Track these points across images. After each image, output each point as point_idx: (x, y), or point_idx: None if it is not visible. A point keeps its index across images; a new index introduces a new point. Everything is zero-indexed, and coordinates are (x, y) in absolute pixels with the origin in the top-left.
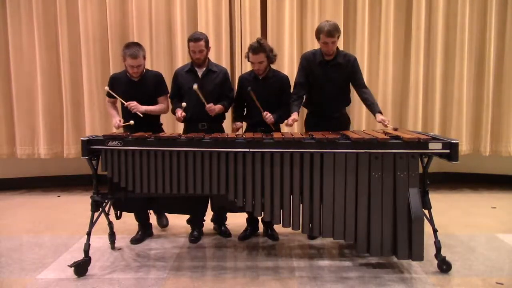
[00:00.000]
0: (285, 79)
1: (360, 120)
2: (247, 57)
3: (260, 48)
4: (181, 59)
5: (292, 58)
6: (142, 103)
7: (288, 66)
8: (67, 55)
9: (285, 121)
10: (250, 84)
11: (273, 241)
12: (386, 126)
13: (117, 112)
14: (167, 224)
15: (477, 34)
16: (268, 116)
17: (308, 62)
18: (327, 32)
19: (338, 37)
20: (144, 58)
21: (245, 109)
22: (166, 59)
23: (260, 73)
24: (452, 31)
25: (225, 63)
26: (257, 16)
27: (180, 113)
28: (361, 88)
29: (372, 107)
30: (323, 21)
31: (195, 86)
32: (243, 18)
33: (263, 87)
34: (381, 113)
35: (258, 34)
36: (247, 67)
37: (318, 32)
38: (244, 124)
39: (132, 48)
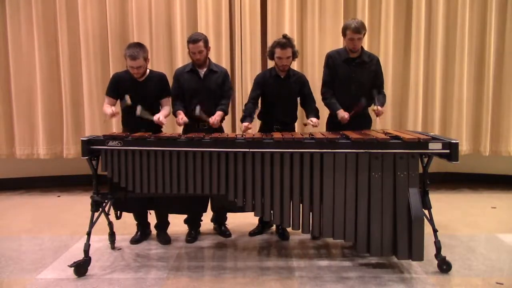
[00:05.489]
0: (305, 77)
1: None
2: (271, 54)
3: (288, 43)
4: (181, 59)
5: None
6: (145, 103)
7: None
8: (67, 55)
9: (340, 118)
10: (271, 83)
11: (283, 240)
12: (377, 115)
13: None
14: (168, 242)
15: (477, 34)
16: (314, 121)
17: (333, 61)
18: (354, 29)
19: (364, 34)
20: (145, 59)
21: (256, 110)
22: (166, 59)
23: (286, 69)
24: (452, 31)
25: (225, 63)
26: (257, 16)
27: (180, 117)
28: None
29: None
30: (350, 19)
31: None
32: (243, 18)
33: (285, 86)
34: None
35: (258, 34)
36: (247, 67)
37: (345, 29)
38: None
39: (132, 49)
